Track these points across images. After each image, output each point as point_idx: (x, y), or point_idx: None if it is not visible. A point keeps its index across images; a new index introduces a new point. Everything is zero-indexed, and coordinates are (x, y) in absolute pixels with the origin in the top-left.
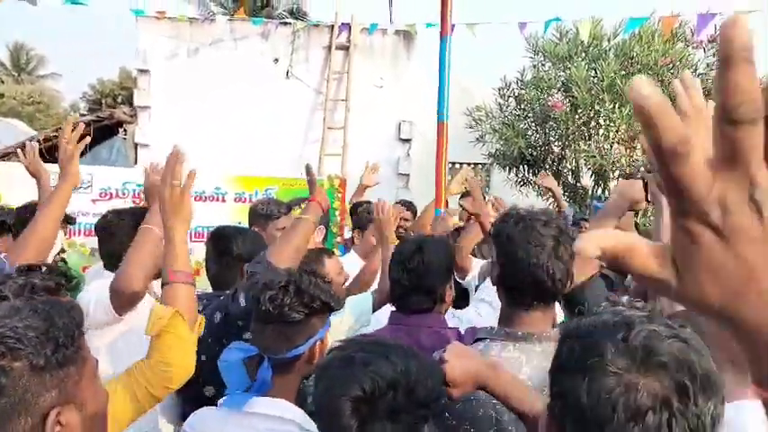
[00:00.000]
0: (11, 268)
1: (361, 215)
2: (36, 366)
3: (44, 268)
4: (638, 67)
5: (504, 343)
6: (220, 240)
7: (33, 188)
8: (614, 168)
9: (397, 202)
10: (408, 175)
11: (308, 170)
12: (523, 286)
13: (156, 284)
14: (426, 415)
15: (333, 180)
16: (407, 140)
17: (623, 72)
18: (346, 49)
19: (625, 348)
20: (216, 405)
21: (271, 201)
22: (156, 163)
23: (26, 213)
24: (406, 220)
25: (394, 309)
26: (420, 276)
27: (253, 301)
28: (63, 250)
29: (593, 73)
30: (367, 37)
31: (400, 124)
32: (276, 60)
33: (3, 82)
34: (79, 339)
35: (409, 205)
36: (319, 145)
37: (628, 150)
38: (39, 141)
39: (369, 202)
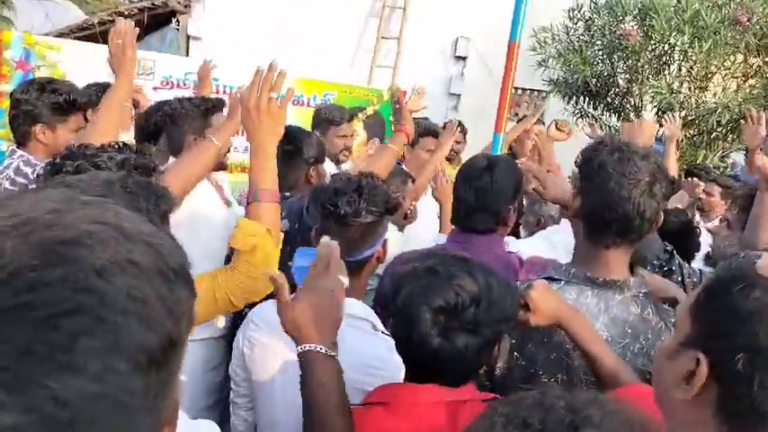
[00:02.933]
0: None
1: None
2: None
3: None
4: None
5: (581, 287)
6: (291, 141)
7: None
8: (681, 108)
9: (445, 123)
10: (459, 95)
11: (396, 97)
12: (609, 221)
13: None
14: (503, 330)
15: (394, 92)
16: (463, 58)
17: (708, 3)
18: None
19: None
20: None
21: (335, 107)
22: (210, 59)
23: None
24: (458, 142)
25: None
26: (487, 195)
27: (324, 205)
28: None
29: (674, 1)
30: None
31: (457, 40)
32: None
33: None
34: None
35: (461, 126)
36: (371, 55)
37: (698, 91)
38: (93, 25)
39: (425, 119)
